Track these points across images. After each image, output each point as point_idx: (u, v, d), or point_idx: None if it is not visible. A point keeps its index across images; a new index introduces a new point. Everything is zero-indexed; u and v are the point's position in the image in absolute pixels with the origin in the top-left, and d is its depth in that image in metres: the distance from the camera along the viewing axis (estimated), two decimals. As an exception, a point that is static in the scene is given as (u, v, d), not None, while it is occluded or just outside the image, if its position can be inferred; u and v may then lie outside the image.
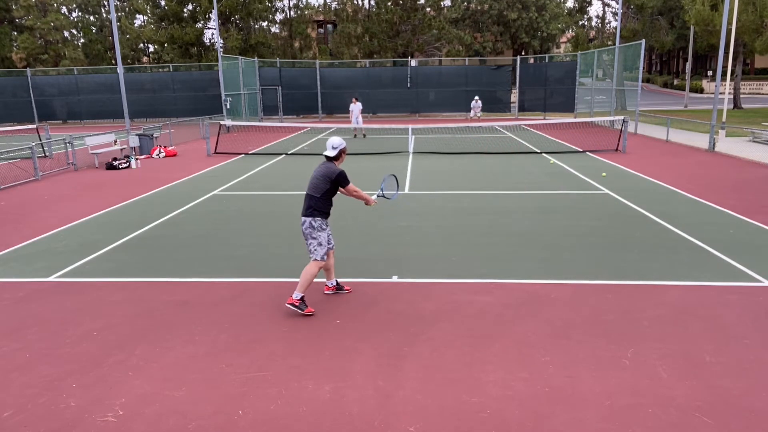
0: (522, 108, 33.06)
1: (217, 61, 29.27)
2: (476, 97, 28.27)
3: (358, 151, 17.63)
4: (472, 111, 28.04)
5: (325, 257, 5.42)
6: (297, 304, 5.33)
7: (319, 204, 5.34)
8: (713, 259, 6.79)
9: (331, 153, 5.42)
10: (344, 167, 5.55)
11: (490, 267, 6.65)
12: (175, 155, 17.97)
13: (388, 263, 6.83)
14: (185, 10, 39.85)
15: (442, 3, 41.92)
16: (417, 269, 6.60)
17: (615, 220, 8.69)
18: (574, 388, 4.01)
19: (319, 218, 5.35)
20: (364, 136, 22.23)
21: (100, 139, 17.13)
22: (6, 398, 4.04)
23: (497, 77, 33.08)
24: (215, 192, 11.38)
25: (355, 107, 21.77)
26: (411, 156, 16.38)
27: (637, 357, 4.44)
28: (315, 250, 5.36)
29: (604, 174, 12.89)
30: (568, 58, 33.52)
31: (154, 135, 19.00)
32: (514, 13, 47.63)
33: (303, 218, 5.38)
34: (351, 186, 5.44)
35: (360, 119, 21.92)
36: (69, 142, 15.43)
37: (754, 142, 18.26)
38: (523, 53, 48.28)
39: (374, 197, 5.71)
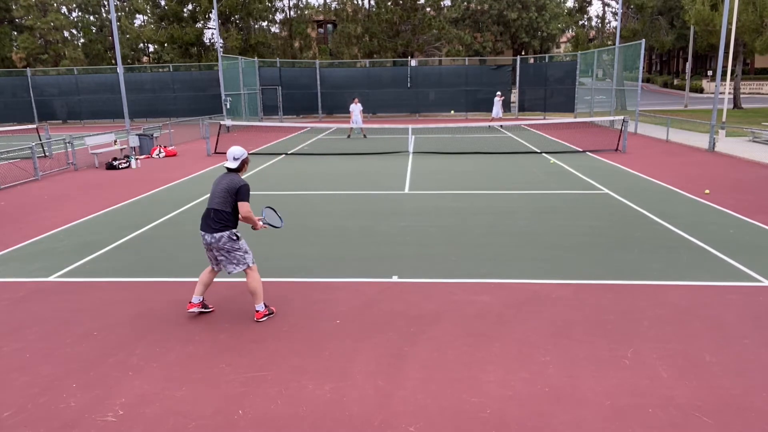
0: (522, 108, 33.05)
1: (217, 61, 29.27)
2: (498, 92, 26.22)
3: (358, 151, 17.63)
4: (495, 109, 25.77)
5: (254, 262, 5.25)
6: (266, 313, 5.28)
7: (230, 217, 5.10)
8: (713, 259, 6.79)
9: (233, 164, 5.15)
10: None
11: (490, 267, 6.65)
12: (175, 155, 17.97)
13: (388, 263, 6.83)
14: (185, 10, 39.84)
15: (442, 3, 41.90)
16: (417, 269, 6.60)
17: (615, 220, 8.69)
18: (574, 388, 4.01)
19: (233, 229, 5.12)
20: (365, 136, 22.20)
21: (100, 139, 17.13)
22: (6, 398, 4.04)
23: (497, 77, 33.07)
24: (215, 192, 11.35)
25: (356, 107, 21.75)
26: (411, 156, 16.38)
27: (637, 357, 4.44)
28: (243, 259, 5.16)
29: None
30: (568, 58, 33.51)
31: (154, 135, 18.99)
32: (514, 13, 47.61)
33: (217, 234, 5.04)
34: (248, 204, 5.12)
35: (360, 119, 21.88)
36: (69, 142, 15.42)
37: (754, 142, 18.26)
38: (523, 53, 48.27)
39: (260, 223, 5.36)
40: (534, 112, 32.65)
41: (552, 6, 49.09)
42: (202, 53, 40.34)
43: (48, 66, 41.03)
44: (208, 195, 5.26)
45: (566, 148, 17.61)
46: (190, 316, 5.37)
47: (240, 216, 5.15)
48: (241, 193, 5.09)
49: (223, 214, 5.08)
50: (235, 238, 5.13)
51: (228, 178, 5.15)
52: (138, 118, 31.92)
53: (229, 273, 5.21)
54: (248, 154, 5.28)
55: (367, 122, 27.12)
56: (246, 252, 5.20)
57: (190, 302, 5.37)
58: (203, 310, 5.41)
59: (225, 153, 17.71)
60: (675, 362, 4.35)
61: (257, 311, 5.27)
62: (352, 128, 22.19)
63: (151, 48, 48.69)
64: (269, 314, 5.33)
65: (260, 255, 7.25)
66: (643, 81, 36.30)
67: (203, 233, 5.13)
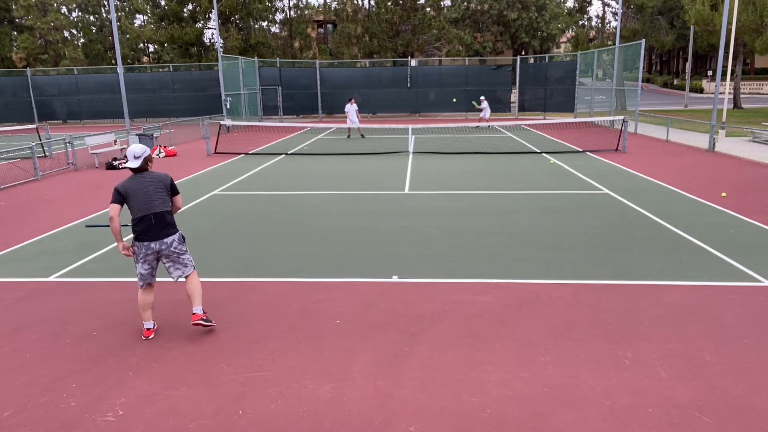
0: (522, 108, 33.05)
1: (217, 61, 29.27)
2: (482, 97, 26.34)
3: (358, 151, 17.63)
4: (484, 111, 25.60)
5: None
6: (205, 317, 4.89)
7: (172, 217, 4.85)
8: (713, 259, 6.79)
9: (136, 164, 4.73)
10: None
11: (491, 267, 6.65)
12: (175, 155, 17.98)
13: (388, 263, 6.83)
14: (185, 10, 39.85)
15: (442, 3, 41.89)
16: (417, 269, 6.60)
17: (615, 220, 8.69)
18: (574, 388, 4.01)
19: (179, 231, 4.92)
20: (362, 135, 22.14)
21: (100, 139, 17.13)
22: (6, 398, 4.04)
23: (497, 77, 33.07)
24: (215, 192, 11.39)
25: (351, 108, 21.67)
26: (411, 156, 16.38)
27: (637, 357, 4.44)
28: (190, 260, 4.94)
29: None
30: (568, 58, 33.51)
31: (154, 135, 19.00)
32: (514, 13, 47.61)
33: (167, 239, 4.74)
34: (180, 196, 5.02)
35: (356, 119, 21.76)
36: (69, 142, 15.42)
37: (754, 142, 18.26)
38: (523, 53, 48.28)
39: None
40: (534, 112, 32.65)
41: (552, 6, 49.07)
42: (202, 53, 40.35)
43: (48, 66, 41.02)
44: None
45: (566, 148, 17.61)
46: (190, 317, 5.36)
47: (174, 209, 4.94)
48: (174, 185, 4.94)
49: (166, 214, 4.77)
50: (182, 239, 4.90)
51: (149, 177, 4.77)
52: (138, 118, 31.93)
53: (175, 279, 4.92)
54: (150, 155, 4.92)
55: (367, 122, 27.12)
56: (189, 253, 4.98)
57: (148, 329, 4.92)
58: (206, 323, 4.91)
59: (225, 153, 17.77)
60: (675, 362, 4.35)
61: (196, 314, 4.84)
62: (350, 129, 22.15)
63: (151, 48, 48.70)
64: (209, 323, 4.88)
65: (260, 255, 7.26)
66: (643, 81, 36.33)
67: (148, 243, 4.69)
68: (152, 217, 4.69)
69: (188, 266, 4.92)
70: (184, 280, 4.97)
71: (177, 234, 4.86)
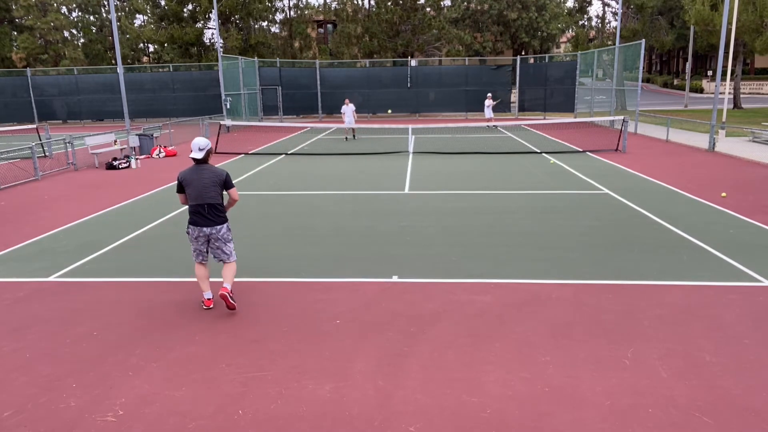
0: (522, 108, 33.05)
1: (217, 61, 29.27)
2: (489, 94, 25.83)
3: (358, 151, 17.63)
4: (487, 111, 24.98)
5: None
6: (232, 296, 5.35)
7: (223, 209, 5.44)
8: (713, 259, 6.79)
9: (200, 155, 5.33)
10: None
11: (491, 267, 6.65)
12: (175, 155, 17.97)
13: (388, 263, 6.83)
14: (185, 10, 39.84)
15: (442, 3, 41.89)
16: (417, 269, 6.60)
17: (615, 220, 8.69)
18: (574, 388, 4.01)
19: (227, 222, 5.50)
20: (354, 137, 21.93)
21: (100, 139, 17.12)
22: (6, 398, 4.04)
23: (497, 77, 33.06)
24: (215, 192, 11.34)
25: (348, 109, 21.58)
26: (411, 156, 16.38)
27: (637, 357, 4.45)
28: (233, 251, 5.55)
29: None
30: (568, 58, 33.50)
31: (154, 135, 18.99)
32: (514, 13, 47.60)
33: (217, 227, 5.35)
34: (235, 189, 5.56)
35: (352, 120, 21.65)
36: (69, 142, 15.42)
37: (754, 142, 18.26)
38: (523, 53, 48.27)
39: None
40: (534, 112, 32.64)
41: (552, 6, 49.07)
42: (202, 53, 40.33)
43: (48, 66, 41.01)
44: (192, 193, 5.33)
45: (566, 148, 17.61)
46: (190, 317, 5.37)
47: (230, 201, 5.59)
48: (228, 180, 5.41)
49: (218, 207, 5.37)
50: (229, 228, 5.53)
51: (207, 171, 5.35)
52: (138, 118, 31.92)
53: (221, 261, 5.51)
54: (212, 148, 5.52)
55: (367, 122, 27.11)
56: (233, 242, 5.61)
57: (208, 299, 5.52)
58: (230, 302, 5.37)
59: (225, 153, 17.76)
60: (675, 362, 4.36)
61: (225, 287, 5.33)
62: (346, 130, 22.04)
63: (151, 48, 48.69)
64: (232, 300, 5.35)
65: (260, 255, 7.26)
66: (643, 81, 36.33)
67: (202, 228, 5.32)
68: (205, 206, 5.30)
69: (230, 255, 5.52)
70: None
71: (225, 224, 5.46)
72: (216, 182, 5.33)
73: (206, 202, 5.28)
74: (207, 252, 5.48)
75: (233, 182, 5.50)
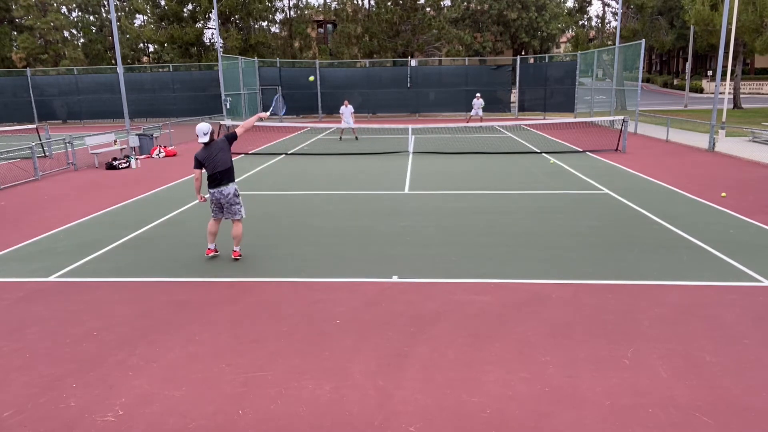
0: (522, 108, 33.05)
1: (217, 61, 29.27)
2: (477, 94, 26.44)
3: (358, 151, 17.63)
4: (473, 110, 25.94)
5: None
6: (240, 255, 6.95)
7: (232, 173, 6.78)
8: (713, 259, 6.79)
9: (206, 139, 6.58)
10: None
11: (491, 267, 6.65)
12: (175, 155, 17.97)
13: (388, 263, 6.83)
14: (185, 10, 39.82)
15: (442, 3, 41.88)
16: (417, 269, 6.60)
17: (615, 220, 8.69)
18: (574, 388, 4.01)
19: (236, 185, 6.85)
20: (340, 138, 21.89)
21: (100, 139, 17.12)
22: (6, 398, 4.04)
23: (497, 77, 33.06)
24: (215, 192, 11.34)
25: (346, 110, 21.55)
26: (411, 156, 16.38)
27: (637, 357, 4.45)
28: (241, 209, 6.88)
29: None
30: (568, 58, 33.50)
31: (154, 135, 18.99)
32: (514, 13, 47.60)
33: (228, 186, 6.72)
34: (238, 126, 6.87)
35: (351, 121, 21.62)
36: (69, 142, 15.42)
37: (754, 142, 18.26)
38: (523, 53, 48.27)
39: (266, 114, 7.37)
40: (534, 112, 32.64)
41: (552, 6, 49.08)
42: (202, 53, 40.32)
43: (48, 66, 40.98)
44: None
45: (566, 148, 17.61)
46: (190, 317, 5.38)
47: (241, 131, 6.89)
48: (229, 137, 6.72)
49: (228, 171, 6.71)
50: (238, 192, 6.89)
51: (214, 146, 6.64)
52: (138, 118, 31.93)
53: (232, 218, 6.85)
54: (214, 129, 6.88)
55: (367, 122, 27.10)
56: (242, 205, 6.94)
57: (208, 249, 7.04)
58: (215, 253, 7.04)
59: (225, 153, 17.71)
60: (675, 362, 4.36)
61: (236, 251, 6.95)
62: (342, 130, 22.01)
63: (151, 48, 48.65)
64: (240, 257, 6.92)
65: (260, 255, 7.26)
66: (643, 81, 36.31)
67: (215, 190, 6.72)
68: (218, 174, 6.69)
69: (237, 214, 6.87)
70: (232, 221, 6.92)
71: (234, 186, 6.82)
72: (223, 148, 6.65)
73: (218, 170, 6.65)
74: (221, 212, 6.84)
75: (233, 133, 6.76)
